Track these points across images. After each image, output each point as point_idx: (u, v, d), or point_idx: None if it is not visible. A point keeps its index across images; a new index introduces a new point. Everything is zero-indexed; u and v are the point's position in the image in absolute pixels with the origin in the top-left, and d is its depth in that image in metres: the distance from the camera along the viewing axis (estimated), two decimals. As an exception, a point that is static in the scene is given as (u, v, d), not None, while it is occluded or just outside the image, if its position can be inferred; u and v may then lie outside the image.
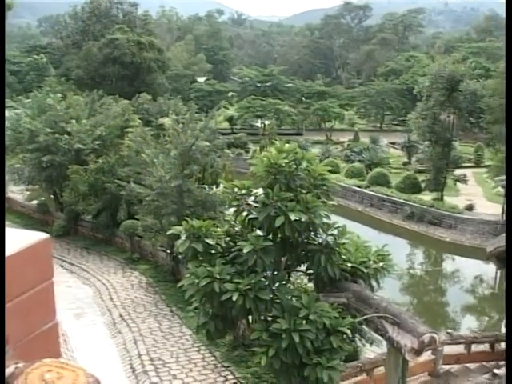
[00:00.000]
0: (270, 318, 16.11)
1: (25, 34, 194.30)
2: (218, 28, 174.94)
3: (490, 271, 42.87)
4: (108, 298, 31.46)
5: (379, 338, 16.41)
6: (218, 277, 15.83)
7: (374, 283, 17.73)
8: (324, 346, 15.42)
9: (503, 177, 49.14)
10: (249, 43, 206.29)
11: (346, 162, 74.91)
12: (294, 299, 16.16)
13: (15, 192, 50.73)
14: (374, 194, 60.83)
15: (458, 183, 62.63)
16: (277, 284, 16.48)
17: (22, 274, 2.69)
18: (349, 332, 15.65)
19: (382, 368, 18.22)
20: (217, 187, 32.94)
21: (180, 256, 26.38)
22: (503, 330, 27.71)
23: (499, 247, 22.46)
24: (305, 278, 18.91)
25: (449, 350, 22.03)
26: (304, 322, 15.21)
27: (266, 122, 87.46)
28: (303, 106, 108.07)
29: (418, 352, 14.38)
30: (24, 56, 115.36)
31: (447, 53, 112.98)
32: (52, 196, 48.20)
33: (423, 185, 60.64)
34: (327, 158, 70.05)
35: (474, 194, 61.69)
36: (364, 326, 16.73)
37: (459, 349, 22.52)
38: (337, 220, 17.36)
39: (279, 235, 16.44)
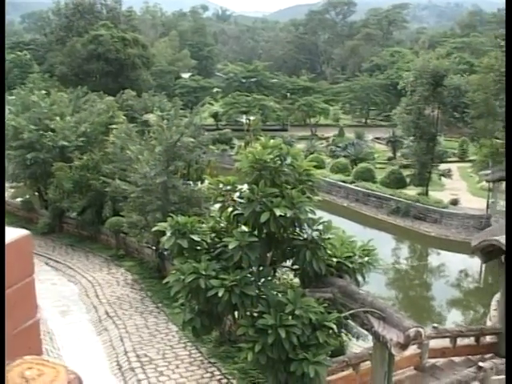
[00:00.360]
0: (256, 314, 16.11)
1: (8, 31, 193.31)
2: (203, 24, 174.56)
3: (474, 265, 43.05)
4: (94, 295, 31.36)
5: (365, 332, 16.44)
6: (203, 273, 15.80)
7: (359, 278, 17.77)
8: (310, 341, 15.43)
9: (488, 171, 49.45)
10: (233, 39, 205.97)
11: (331, 158, 74.97)
12: (279, 295, 16.17)
13: (-1, 189, 50.44)
14: (359, 189, 60.93)
15: (442, 178, 62.86)
16: (262, 280, 16.47)
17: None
18: (335, 327, 15.67)
19: (368, 363, 18.25)
20: (202, 183, 32.88)
21: (165, 252, 26.41)
22: (488, 323, 27.87)
23: (484, 241, 22.58)
24: (290, 274, 18.94)
25: (434, 343, 22.11)
26: (290, 317, 15.22)
27: (251, 118, 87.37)
28: (288, 101, 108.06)
29: (403, 346, 14.42)
30: (7, 53, 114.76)
31: (431, 48, 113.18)
32: (36, 193, 48.01)
33: (408, 180, 60.83)
34: (312, 153, 70.29)
35: (458, 189, 61.93)
36: (350, 321, 16.75)
37: (445, 343, 22.60)
38: (322, 215, 17.38)
39: (264, 231, 16.43)
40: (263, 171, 16.30)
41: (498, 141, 57.32)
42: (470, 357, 22.73)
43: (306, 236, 16.86)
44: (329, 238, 17.13)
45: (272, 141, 16.90)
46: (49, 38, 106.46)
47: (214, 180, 17.45)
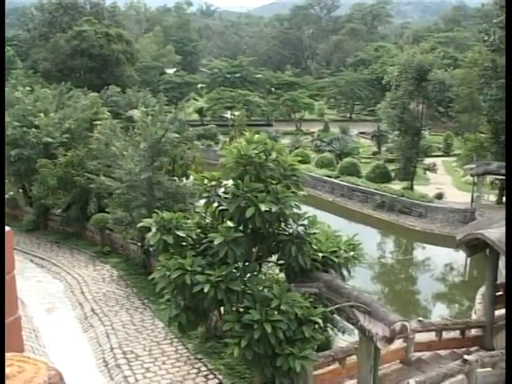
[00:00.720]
0: (241, 309, 16.13)
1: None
2: (187, 19, 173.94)
3: (460, 259, 43.23)
4: (79, 292, 31.26)
5: (351, 326, 16.48)
6: (189, 269, 15.81)
7: (345, 272, 17.82)
8: (296, 336, 15.47)
9: (472, 165, 49.62)
10: (218, 34, 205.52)
11: (317, 152, 74.98)
12: (265, 290, 16.20)
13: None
14: (344, 183, 60.98)
15: (427, 172, 63.13)
16: (248, 275, 16.49)
17: (-16, 267, 2.65)
18: (320, 321, 15.71)
19: (354, 357, 18.28)
20: (187, 179, 32.82)
21: (151, 248, 26.34)
22: (473, 316, 28.00)
23: (469, 235, 22.65)
24: (276, 269, 18.94)
25: (420, 337, 22.18)
26: (276, 312, 15.25)
27: (236, 113, 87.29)
28: (273, 96, 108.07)
29: (389, 340, 14.48)
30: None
31: (416, 43, 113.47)
32: (21, 190, 47.76)
33: (393, 174, 61.01)
34: (297, 148, 70.29)
35: (443, 183, 62.11)
36: (336, 316, 16.80)
37: (430, 336, 22.69)
38: (307, 210, 17.41)
39: (250, 226, 16.44)
40: (248, 166, 16.31)
41: (482, 135, 57.58)
42: (455, 350, 22.84)
43: (291, 231, 16.89)
44: (314, 233, 17.17)
45: (257, 136, 16.90)
46: (32, 34, 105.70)
47: (199, 176, 17.46)
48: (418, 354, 21.90)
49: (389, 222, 53.77)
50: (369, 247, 41.62)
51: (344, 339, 21.93)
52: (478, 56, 56.15)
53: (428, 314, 35.65)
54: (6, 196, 47.64)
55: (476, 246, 23.26)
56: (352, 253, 17.66)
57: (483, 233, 21.06)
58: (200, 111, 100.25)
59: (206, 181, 17.05)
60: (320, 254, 17.25)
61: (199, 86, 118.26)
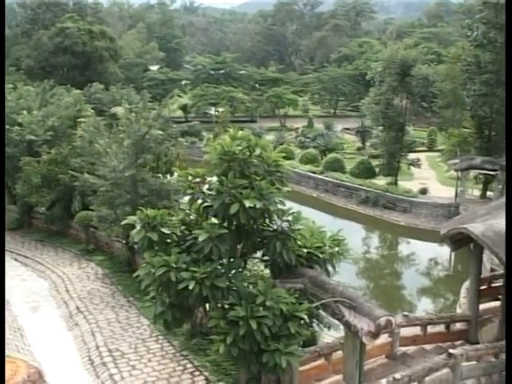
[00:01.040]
0: (227, 306, 16.12)
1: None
2: (170, 16, 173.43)
3: (444, 253, 43.44)
4: (64, 290, 31.10)
5: (336, 322, 16.50)
6: (173, 266, 15.79)
7: (330, 268, 17.84)
8: (281, 332, 15.48)
9: (456, 160, 49.84)
10: (201, 31, 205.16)
11: (301, 148, 75.13)
12: (250, 286, 16.20)
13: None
14: (328, 179, 61.12)
15: (411, 167, 63.39)
16: (233, 271, 16.48)
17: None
18: (306, 317, 15.73)
19: (340, 352, 18.32)
20: (171, 176, 32.71)
21: (136, 246, 26.23)
22: (458, 310, 28.11)
23: (453, 229, 22.72)
24: (261, 265, 18.94)
25: (405, 332, 22.25)
26: (261, 308, 15.25)
27: (220, 110, 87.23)
28: (257, 93, 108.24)
29: (374, 335, 14.51)
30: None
31: (399, 38, 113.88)
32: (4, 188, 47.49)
33: (377, 169, 61.18)
34: (281, 144, 70.24)
35: (427, 178, 62.38)
36: (321, 311, 16.82)
37: (415, 331, 22.76)
38: (292, 206, 17.37)
39: (234, 222, 16.42)
40: (232, 163, 16.29)
41: (465, 130, 57.88)
42: (440, 344, 22.92)
43: (275, 227, 16.90)
44: (299, 229, 17.18)
45: (241, 132, 16.87)
46: (14, 31, 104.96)
47: (183, 172, 17.40)
48: (404, 349, 21.95)
49: (373, 217, 53.96)
50: (354, 242, 41.64)
51: (330, 335, 21.97)
52: (462, 51, 56.46)
53: (413, 309, 35.78)
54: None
55: (460, 241, 23.34)
56: (337, 248, 17.68)
57: (467, 227, 21.13)
58: (184, 108, 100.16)
59: (190, 177, 17.01)
60: (305, 250, 17.27)
61: (183, 82, 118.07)
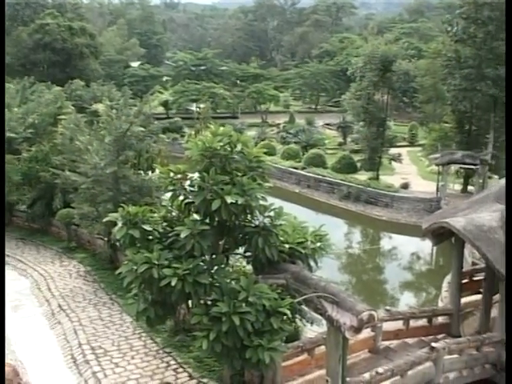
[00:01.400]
0: (209, 302, 16.13)
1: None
2: (151, 12, 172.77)
3: (426, 248, 43.62)
4: (46, 288, 30.97)
5: (319, 317, 16.53)
6: (156, 262, 15.78)
7: (312, 263, 17.87)
8: (264, 328, 15.50)
9: (437, 155, 50.05)
10: (182, 27, 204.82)
11: (282, 144, 75.08)
12: (233, 282, 16.20)
13: None
14: (310, 175, 61.17)
15: (393, 162, 63.49)
16: (215, 268, 16.50)
17: None
18: (289, 313, 15.77)
19: (323, 347, 18.38)
20: (153, 172, 32.67)
21: (118, 243, 26.14)
22: (440, 304, 28.27)
23: (434, 224, 22.85)
24: (243, 261, 18.94)
25: (388, 326, 22.36)
26: (244, 304, 15.27)
27: (201, 106, 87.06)
28: (238, 89, 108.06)
29: (357, 330, 14.56)
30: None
31: (380, 34, 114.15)
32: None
33: (359, 165, 61.29)
34: (263, 140, 70.36)
35: (408, 173, 62.54)
36: (304, 306, 16.86)
37: (398, 325, 22.88)
38: (274, 202, 17.40)
39: (216, 219, 16.43)
40: (213, 159, 16.29)
41: (446, 125, 58.12)
42: (422, 338, 23.06)
43: (257, 223, 16.92)
44: (280, 225, 17.21)
45: (222, 128, 16.89)
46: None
47: (164, 169, 17.39)
48: (386, 343, 22.07)
49: (355, 212, 54.08)
50: (336, 238, 41.80)
51: (312, 330, 22.02)
52: (442, 47, 56.66)
53: (395, 303, 35.91)
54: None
55: (442, 235, 23.47)
56: (319, 243, 17.73)
57: (449, 221, 21.25)
58: (165, 104, 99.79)
59: (171, 174, 17.00)
60: (287, 246, 17.30)
61: (164, 78, 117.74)
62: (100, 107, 41.57)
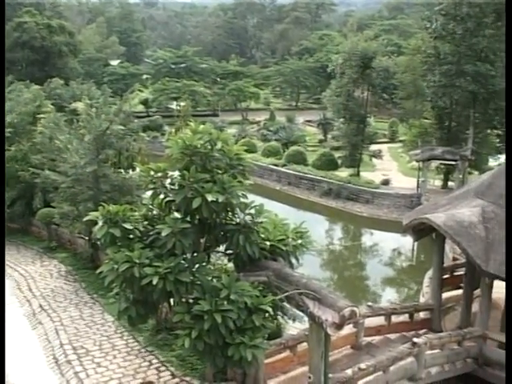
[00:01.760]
0: (191, 300, 16.10)
1: None
2: (130, 10, 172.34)
3: (407, 244, 43.84)
4: (27, 288, 30.79)
5: (301, 314, 16.55)
6: (137, 261, 15.72)
7: (293, 260, 17.88)
8: (246, 325, 15.49)
9: (417, 151, 50.27)
10: (162, 25, 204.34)
11: (263, 141, 75.21)
12: (214, 280, 16.19)
13: None
14: (291, 172, 61.27)
15: (373, 159, 63.75)
16: (197, 266, 16.46)
17: None
18: (270, 310, 15.75)
19: (305, 344, 18.41)
20: (133, 171, 32.53)
21: (99, 242, 26.02)
22: (421, 299, 28.40)
23: (415, 220, 22.95)
24: (225, 259, 18.92)
25: (370, 322, 22.45)
26: (225, 302, 15.25)
27: (182, 104, 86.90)
28: (218, 86, 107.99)
29: (339, 326, 14.57)
30: None
31: (360, 30, 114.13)
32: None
33: (339, 161, 61.51)
34: (244, 137, 70.28)
35: (389, 169, 62.85)
36: (285, 303, 16.86)
37: (380, 320, 22.98)
38: (255, 199, 17.36)
39: (197, 217, 16.40)
40: (194, 157, 16.25)
41: (426, 121, 58.41)
42: (404, 333, 23.19)
43: (238, 220, 16.91)
44: (261, 222, 17.21)
45: (202, 126, 16.84)
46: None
47: (145, 167, 17.30)
48: (368, 339, 22.16)
49: (336, 208, 54.23)
50: (317, 234, 41.94)
51: (295, 327, 22.06)
52: (421, 43, 56.88)
53: (377, 299, 36.05)
54: None
55: (422, 231, 23.59)
56: (300, 240, 17.74)
57: (429, 217, 21.35)
58: (145, 102, 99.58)
59: (152, 172, 16.92)
60: (268, 243, 17.30)
61: (144, 77, 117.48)
62: (79, 106, 41.21)
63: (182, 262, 16.15)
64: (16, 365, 22.24)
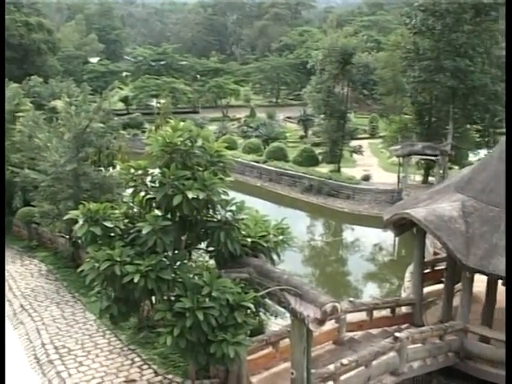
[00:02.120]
0: (173, 298, 16.07)
1: None
2: (109, 7, 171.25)
3: (388, 239, 44.00)
4: (7, 288, 30.61)
5: (283, 310, 16.56)
6: (118, 259, 15.67)
7: (274, 257, 17.90)
8: (228, 322, 15.49)
9: (397, 146, 50.43)
10: (141, 22, 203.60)
11: (243, 138, 75.13)
12: (196, 277, 16.16)
13: None
14: (272, 168, 61.28)
15: (354, 154, 63.89)
16: (178, 263, 16.43)
17: None
18: (252, 306, 15.77)
19: (287, 340, 18.45)
20: (113, 169, 32.41)
21: (79, 241, 25.92)
22: (403, 294, 28.50)
23: (396, 215, 23.03)
24: (206, 256, 18.90)
25: (352, 317, 22.53)
26: (207, 299, 15.24)
27: (162, 101, 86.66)
28: (198, 83, 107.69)
29: (320, 322, 14.60)
30: None
31: (340, 27, 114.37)
32: None
33: (320, 157, 61.57)
34: (224, 134, 70.22)
35: (370, 165, 62.98)
36: (267, 300, 16.89)
37: (362, 316, 23.07)
38: (235, 196, 17.37)
39: (178, 214, 16.36)
40: (174, 154, 16.21)
41: (406, 116, 58.62)
42: (386, 328, 23.28)
43: (219, 217, 16.90)
44: (242, 219, 17.20)
45: (182, 123, 16.80)
46: None
47: (125, 165, 17.24)
48: (350, 334, 22.24)
49: (317, 204, 54.30)
50: (298, 230, 42.00)
51: (277, 323, 22.08)
52: (401, 39, 57.10)
53: (359, 294, 36.13)
54: None
55: (403, 226, 23.70)
56: (281, 237, 17.77)
57: (410, 212, 21.43)
58: (125, 100, 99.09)
59: (132, 170, 16.87)
60: (249, 240, 17.30)
61: (124, 74, 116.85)
62: (59, 104, 41.14)
63: (164, 259, 16.12)
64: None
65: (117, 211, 17.48)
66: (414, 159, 53.42)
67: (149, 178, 16.73)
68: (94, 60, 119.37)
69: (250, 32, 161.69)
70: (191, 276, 16.22)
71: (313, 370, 16.26)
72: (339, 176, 56.44)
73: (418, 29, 50.07)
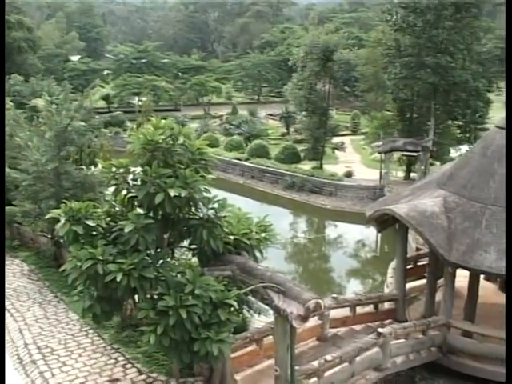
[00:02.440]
0: (156, 296, 16.03)
1: None
2: (90, 5, 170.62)
3: (370, 235, 44.16)
4: (-13, 289, 30.50)
5: (266, 307, 16.57)
6: (100, 258, 15.60)
7: (257, 254, 17.88)
8: (212, 320, 15.47)
9: (379, 143, 50.61)
10: (122, 19, 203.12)
11: (225, 136, 75.16)
12: (178, 275, 16.11)
13: None
14: (254, 165, 61.33)
15: (336, 151, 64.09)
16: (161, 261, 16.38)
17: None
18: (236, 304, 15.74)
19: (271, 337, 18.45)
20: (95, 167, 32.26)
21: (61, 240, 25.80)
22: (386, 290, 28.61)
23: (378, 211, 23.11)
24: (189, 254, 18.86)
25: (335, 313, 22.58)
26: (190, 297, 15.21)
27: (143, 99, 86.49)
28: (180, 81, 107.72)
29: (304, 318, 14.62)
30: None
31: (321, 24, 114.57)
32: None
33: (302, 154, 61.72)
34: (206, 132, 70.25)
35: (352, 161, 63.19)
36: (251, 297, 16.87)
37: (345, 312, 23.13)
38: (218, 194, 17.33)
39: (160, 212, 16.30)
40: (155, 152, 16.14)
41: (388, 113, 58.85)
42: (369, 324, 23.37)
43: (201, 215, 16.84)
44: (225, 216, 17.15)
45: (163, 121, 16.73)
46: None
47: (107, 163, 17.17)
48: (334, 330, 22.30)
49: (300, 201, 54.39)
50: (281, 227, 42.08)
51: (260, 320, 22.09)
52: (382, 35, 57.33)
53: (342, 291, 36.23)
54: None
55: (386, 222, 23.79)
56: (264, 234, 17.76)
57: (392, 208, 21.52)
58: (107, 98, 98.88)
59: (114, 168, 16.79)
60: (232, 237, 17.28)
61: (105, 72, 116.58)
62: (40, 102, 40.97)
63: (146, 257, 16.06)
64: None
65: (99, 210, 17.40)
66: (396, 155, 53.69)
67: (131, 177, 16.66)
68: (75, 58, 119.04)
69: (232, 29, 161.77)
70: (174, 274, 16.17)
71: (297, 367, 16.29)
72: (321, 173, 56.56)
73: (399, 25, 50.25)
